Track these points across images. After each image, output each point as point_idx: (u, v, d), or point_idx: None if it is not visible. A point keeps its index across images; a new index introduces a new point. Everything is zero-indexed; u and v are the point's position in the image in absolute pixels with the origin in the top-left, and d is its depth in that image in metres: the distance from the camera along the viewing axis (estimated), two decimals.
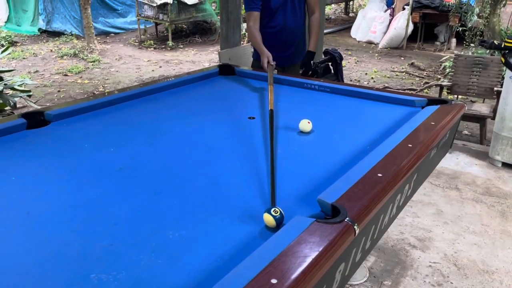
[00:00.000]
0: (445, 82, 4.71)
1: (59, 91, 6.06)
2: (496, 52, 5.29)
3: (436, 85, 5.45)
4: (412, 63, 7.38)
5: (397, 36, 8.53)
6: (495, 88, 4.19)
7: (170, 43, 8.74)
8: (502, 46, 3.33)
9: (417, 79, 6.64)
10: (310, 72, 2.95)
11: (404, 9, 8.56)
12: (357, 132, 1.91)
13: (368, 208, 1.24)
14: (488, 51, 5.66)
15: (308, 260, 1.00)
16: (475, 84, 4.37)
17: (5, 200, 1.34)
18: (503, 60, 3.34)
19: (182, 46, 8.87)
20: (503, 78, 4.40)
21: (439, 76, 6.64)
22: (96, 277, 1.01)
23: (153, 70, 7.17)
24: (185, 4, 8.65)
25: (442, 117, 1.97)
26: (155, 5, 8.54)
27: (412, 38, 8.66)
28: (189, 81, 2.63)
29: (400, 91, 4.57)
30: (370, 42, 9.02)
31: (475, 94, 4.42)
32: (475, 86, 4.37)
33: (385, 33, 8.85)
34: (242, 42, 5.70)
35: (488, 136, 4.20)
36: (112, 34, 9.77)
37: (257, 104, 2.27)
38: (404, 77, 6.75)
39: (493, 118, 3.95)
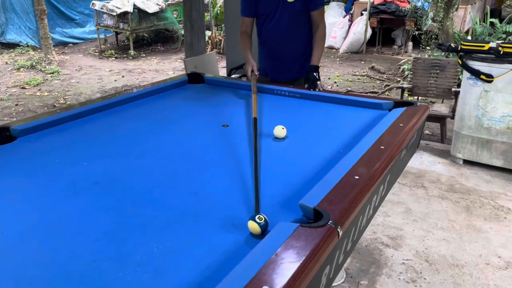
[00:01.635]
0: (405, 84, 4.88)
1: (17, 104, 5.83)
2: (451, 54, 5.54)
3: (397, 88, 5.63)
4: (372, 67, 7.60)
5: (357, 41, 8.76)
6: (453, 89, 4.38)
7: (132, 52, 8.60)
8: (459, 48, 3.48)
9: (378, 82, 6.85)
10: (317, 88, 2.53)
11: (362, 14, 8.81)
12: (330, 136, 1.94)
13: (348, 210, 1.27)
14: (444, 53, 5.91)
15: (297, 265, 1.01)
16: (433, 85, 4.55)
17: None
18: (460, 62, 3.50)
19: (144, 55, 8.75)
20: (459, 79, 4.61)
21: (399, 79, 6.87)
22: None
23: (115, 80, 7.03)
24: (146, 12, 8.55)
25: (409, 118, 2.04)
26: (115, 14, 8.39)
27: (371, 42, 8.92)
28: (159, 90, 2.60)
29: (364, 94, 4.70)
30: (331, 47, 9.21)
31: (434, 95, 4.60)
32: (433, 88, 4.55)
33: (345, 38, 9.07)
34: (206, 50, 5.67)
35: (448, 135, 4.38)
36: (71, 45, 9.52)
37: (230, 112, 2.27)
38: (365, 81, 6.93)
39: (452, 117, 4.12)
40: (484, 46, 3.35)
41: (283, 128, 1.89)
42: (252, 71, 2.59)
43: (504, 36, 6.43)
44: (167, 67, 7.93)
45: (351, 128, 2.02)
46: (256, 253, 1.06)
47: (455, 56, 3.94)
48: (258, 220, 1.19)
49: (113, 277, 1.04)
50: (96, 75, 7.36)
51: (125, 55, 8.65)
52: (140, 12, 8.46)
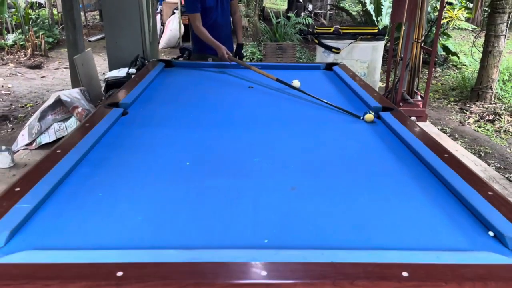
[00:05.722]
0: None
1: None
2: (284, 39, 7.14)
3: None
4: None
5: (174, 37, 9.68)
6: None
7: None
8: (315, 32, 4.97)
9: None
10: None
11: (174, 13, 9.75)
12: (323, 84, 3.00)
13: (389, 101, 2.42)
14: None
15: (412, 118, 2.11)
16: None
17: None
18: (316, 41, 4.98)
19: None
20: (296, 57, 6.19)
21: None
22: None
23: None
24: None
25: (348, 70, 3.27)
26: None
27: (185, 37, 9.97)
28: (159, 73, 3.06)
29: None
30: None
31: None
32: None
33: (160, 35, 9.85)
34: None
35: None
36: None
37: (236, 81, 3.03)
38: None
39: None
40: (330, 29, 4.92)
41: (298, 81, 2.85)
42: (227, 52, 3.36)
43: (297, 25, 8.49)
44: None
45: (325, 78, 3.13)
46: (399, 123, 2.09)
47: (314, 37, 5.21)
48: (370, 113, 2.21)
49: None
50: None
51: None
52: None
